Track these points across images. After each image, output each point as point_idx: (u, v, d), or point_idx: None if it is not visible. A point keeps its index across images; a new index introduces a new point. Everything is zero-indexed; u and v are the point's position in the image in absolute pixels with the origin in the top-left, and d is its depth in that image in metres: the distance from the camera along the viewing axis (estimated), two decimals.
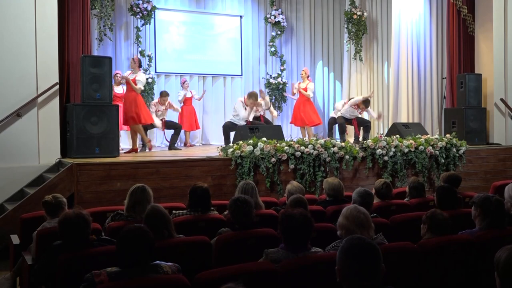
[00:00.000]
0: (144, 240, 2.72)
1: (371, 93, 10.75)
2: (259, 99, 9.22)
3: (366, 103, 9.31)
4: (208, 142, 11.05)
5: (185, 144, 10.24)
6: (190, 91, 10.36)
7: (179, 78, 10.81)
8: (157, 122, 8.93)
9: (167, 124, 9.35)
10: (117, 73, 9.08)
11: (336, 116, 9.66)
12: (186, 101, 10.19)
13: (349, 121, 9.45)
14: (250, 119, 8.85)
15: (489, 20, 9.45)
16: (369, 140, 7.49)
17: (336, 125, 9.59)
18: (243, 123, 8.67)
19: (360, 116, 9.52)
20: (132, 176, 6.14)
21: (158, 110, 9.13)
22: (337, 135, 9.79)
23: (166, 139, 9.68)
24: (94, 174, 6.03)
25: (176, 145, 9.21)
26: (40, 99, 6.81)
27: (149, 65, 10.31)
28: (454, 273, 3.35)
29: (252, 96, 8.85)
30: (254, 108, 8.93)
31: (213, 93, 11.28)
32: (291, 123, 10.66)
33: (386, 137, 7.69)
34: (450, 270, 3.33)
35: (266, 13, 11.80)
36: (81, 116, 6.69)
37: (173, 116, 9.94)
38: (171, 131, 9.25)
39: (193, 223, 4.10)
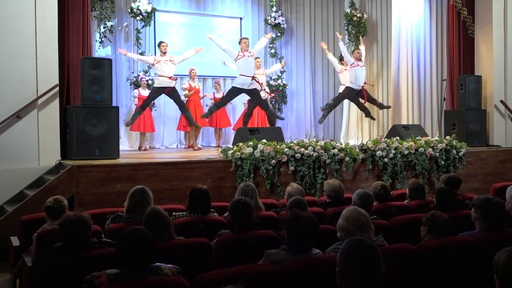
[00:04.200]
0: (144, 242, 2.72)
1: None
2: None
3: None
4: (208, 144, 11.04)
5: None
6: (198, 83, 10.09)
7: (179, 80, 10.80)
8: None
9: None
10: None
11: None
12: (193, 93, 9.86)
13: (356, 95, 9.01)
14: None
15: (489, 22, 9.46)
16: (369, 142, 7.50)
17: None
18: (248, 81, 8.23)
19: (363, 66, 8.99)
20: (132, 178, 6.14)
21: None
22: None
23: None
24: (94, 176, 6.02)
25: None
26: (40, 101, 6.81)
27: (149, 67, 10.31)
28: (454, 275, 3.34)
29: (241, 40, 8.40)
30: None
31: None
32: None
33: (386, 139, 7.69)
34: (450, 271, 3.32)
35: (266, 15, 11.81)
36: (81, 118, 6.69)
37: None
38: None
39: (193, 225, 4.10)
